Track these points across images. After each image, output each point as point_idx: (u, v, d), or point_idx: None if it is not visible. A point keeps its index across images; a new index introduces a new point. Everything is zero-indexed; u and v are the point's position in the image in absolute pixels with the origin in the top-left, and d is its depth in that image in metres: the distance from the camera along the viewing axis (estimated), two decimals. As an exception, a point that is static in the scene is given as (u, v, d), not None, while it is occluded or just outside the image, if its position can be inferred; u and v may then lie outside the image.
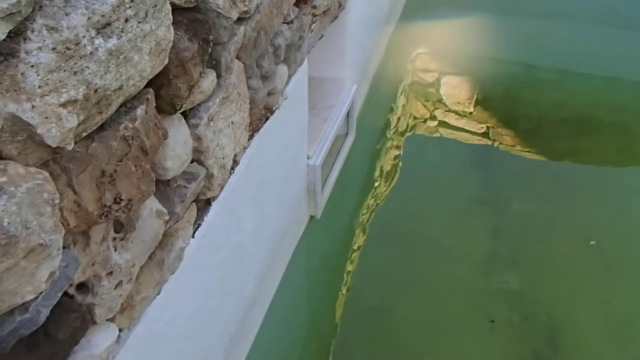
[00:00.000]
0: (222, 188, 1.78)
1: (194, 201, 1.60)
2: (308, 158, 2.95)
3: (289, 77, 2.29)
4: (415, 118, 4.45)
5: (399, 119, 4.44)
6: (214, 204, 1.76)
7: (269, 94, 2.07)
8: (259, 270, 2.39)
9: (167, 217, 1.38)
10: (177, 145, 1.41)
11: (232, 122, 1.74)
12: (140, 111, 1.17)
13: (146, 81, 1.17)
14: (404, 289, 3.04)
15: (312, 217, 3.24)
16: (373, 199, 3.70)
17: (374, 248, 3.33)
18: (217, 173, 1.69)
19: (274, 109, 2.16)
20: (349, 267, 3.22)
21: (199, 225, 1.69)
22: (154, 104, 1.25)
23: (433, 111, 4.53)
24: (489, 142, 4.22)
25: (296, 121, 2.60)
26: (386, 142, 4.20)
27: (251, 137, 2.01)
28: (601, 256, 3.22)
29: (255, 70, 1.92)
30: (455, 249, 3.28)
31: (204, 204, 1.72)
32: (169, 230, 1.47)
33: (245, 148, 1.96)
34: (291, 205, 2.79)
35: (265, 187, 2.26)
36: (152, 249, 1.38)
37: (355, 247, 3.35)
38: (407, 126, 4.39)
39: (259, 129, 2.06)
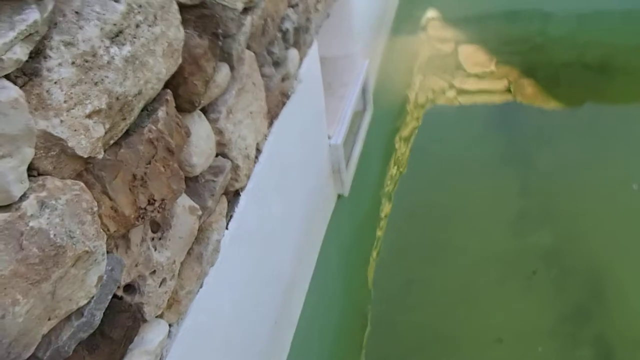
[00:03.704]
0: (248, 177, 1.81)
1: (223, 194, 1.64)
2: (329, 138, 2.95)
3: (301, 60, 2.30)
4: (434, 91, 4.39)
5: (416, 94, 4.38)
6: (242, 194, 1.79)
7: (283, 80, 2.08)
8: (293, 254, 2.41)
9: (200, 212, 1.42)
10: (200, 141, 1.43)
11: (250, 112, 1.76)
12: (161, 112, 1.20)
13: (163, 83, 1.19)
14: (438, 258, 3.03)
15: (340, 196, 3.25)
16: (397, 171, 3.68)
17: (404, 220, 3.31)
18: (242, 164, 1.71)
19: (289, 93, 2.17)
20: (382, 241, 3.21)
21: (231, 216, 1.72)
22: (174, 104, 1.28)
23: (452, 80, 4.45)
24: (510, 99, 4.13)
25: (313, 103, 2.61)
26: (405, 114, 4.17)
27: (271, 124, 2.03)
28: (638, 201, 3.15)
29: (267, 57, 1.94)
30: (485, 212, 3.25)
31: (233, 195, 1.75)
32: (203, 225, 1.51)
33: (266, 136, 1.97)
34: (318, 187, 2.80)
35: (290, 171, 2.28)
36: (190, 245, 1.42)
37: (385, 221, 3.34)
38: (427, 99, 4.34)
39: (277, 115, 2.08)
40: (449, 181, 3.53)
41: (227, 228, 1.68)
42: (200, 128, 1.45)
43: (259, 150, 1.91)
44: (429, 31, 5.06)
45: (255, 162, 1.87)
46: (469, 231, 3.16)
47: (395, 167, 3.71)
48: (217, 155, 1.59)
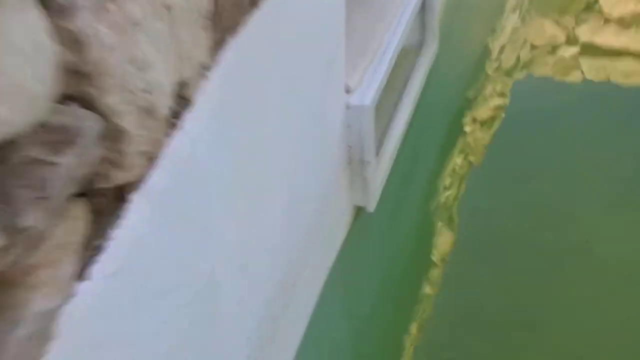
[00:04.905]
0: (152, 163, 1.49)
1: (80, 195, 1.28)
2: (348, 92, 2.77)
3: None
4: (533, 48, 4.75)
5: (503, 49, 4.68)
6: (135, 197, 1.47)
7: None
8: (255, 331, 2.27)
9: None
10: (10, 60, 1.08)
11: (168, 8, 1.46)
12: None
13: None
14: (523, 326, 3.28)
15: (359, 210, 3.15)
16: (466, 161, 3.79)
17: (467, 259, 3.54)
18: (136, 127, 1.38)
19: (267, -13, 1.96)
20: (424, 294, 3.38)
21: (97, 249, 1.38)
22: None
23: (573, 29, 4.73)
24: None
25: (319, 17, 2.47)
26: (483, 81, 4.39)
27: (219, 45, 1.77)
28: None
29: None
30: (615, 259, 3.50)
31: (109, 201, 1.41)
32: (10, 275, 1.16)
33: (206, 68, 1.70)
34: (317, 192, 2.74)
35: (256, 157, 2.11)
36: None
37: (434, 260, 3.47)
38: (518, 62, 4.64)
39: (236, 29, 1.84)
40: (556, 200, 3.83)
41: (82, 278, 1.33)
42: (14, 25, 1.09)
43: (184, 100, 1.60)
44: None
45: (170, 127, 1.55)
46: (587, 290, 3.41)
47: (462, 156, 3.87)
48: (64, 100, 1.22)
